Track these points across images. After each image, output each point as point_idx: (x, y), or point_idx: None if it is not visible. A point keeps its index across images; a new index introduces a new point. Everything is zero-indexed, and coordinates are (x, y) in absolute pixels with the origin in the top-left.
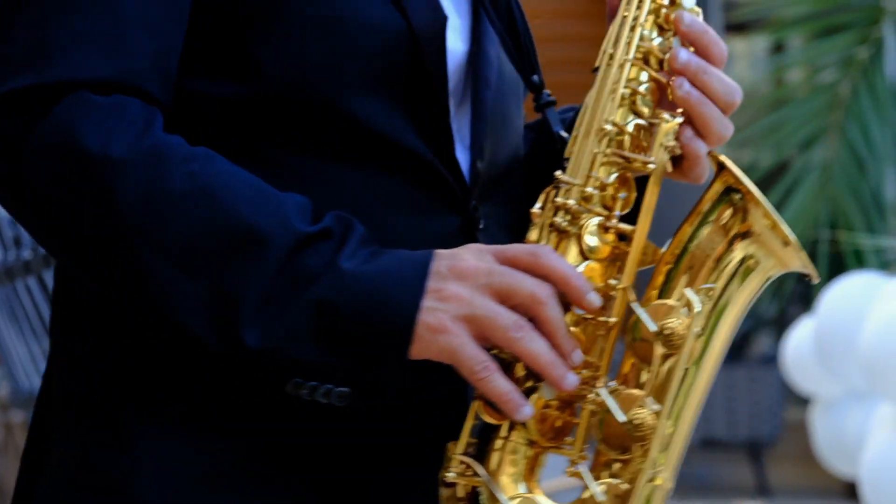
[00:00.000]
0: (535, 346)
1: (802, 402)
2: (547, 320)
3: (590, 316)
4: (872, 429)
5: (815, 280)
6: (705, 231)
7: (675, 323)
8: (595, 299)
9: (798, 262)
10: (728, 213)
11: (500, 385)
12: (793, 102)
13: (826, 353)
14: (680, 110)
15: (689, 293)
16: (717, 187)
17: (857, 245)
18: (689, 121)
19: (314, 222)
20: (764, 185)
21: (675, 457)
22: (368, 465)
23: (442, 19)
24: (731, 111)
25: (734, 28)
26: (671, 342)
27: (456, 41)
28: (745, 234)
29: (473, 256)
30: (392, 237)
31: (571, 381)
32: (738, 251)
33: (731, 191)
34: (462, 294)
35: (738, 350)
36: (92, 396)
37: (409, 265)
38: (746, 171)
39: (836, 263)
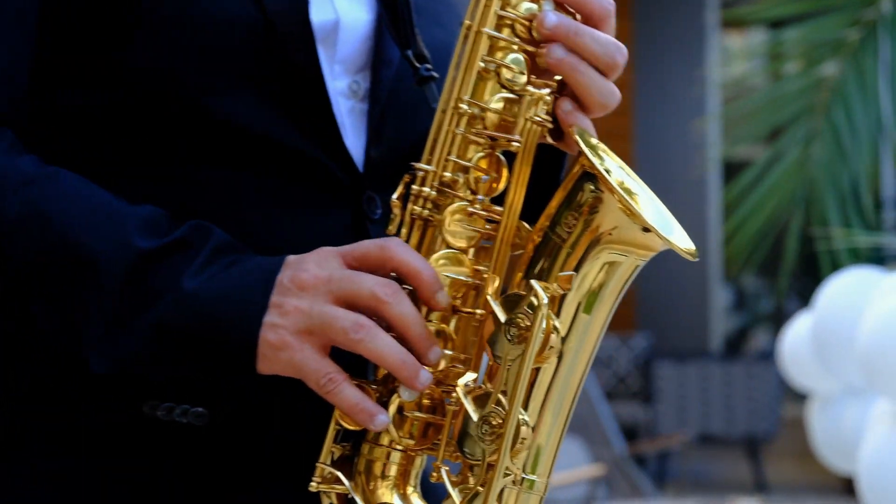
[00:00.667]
0: (379, 345)
1: (800, 398)
2: (393, 318)
3: (467, 311)
4: (870, 425)
5: (694, 258)
6: (565, 216)
7: (523, 315)
8: (443, 300)
9: (661, 245)
10: (586, 199)
11: (348, 396)
12: (784, 79)
13: (823, 349)
14: (558, 78)
15: (535, 284)
16: (577, 170)
17: (829, 237)
18: (568, 89)
19: (169, 233)
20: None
21: (546, 458)
22: (236, 485)
23: (302, 5)
24: (614, 73)
25: (731, 23)
26: (520, 335)
27: (357, 10)
28: (603, 223)
29: (315, 264)
30: (276, 238)
31: (424, 379)
32: (599, 240)
33: (589, 176)
34: (301, 307)
35: (735, 346)
36: None
37: (256, 278)
38: (742, 165)
39: (831, 258)
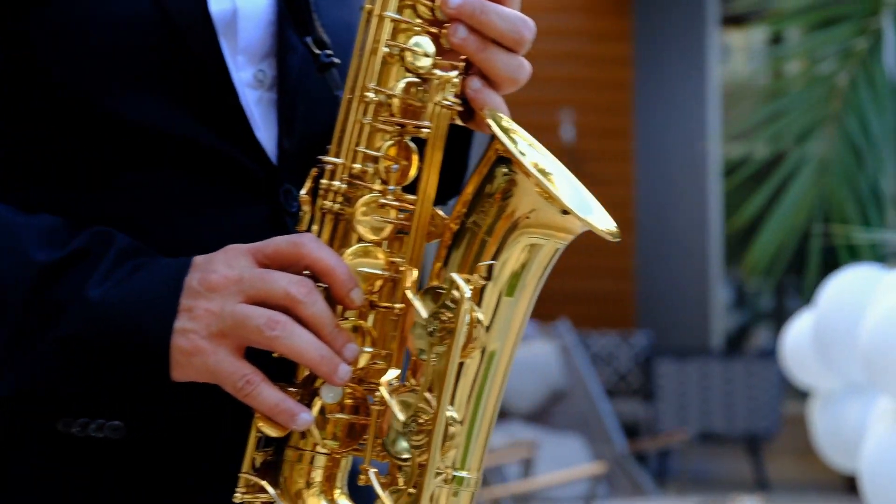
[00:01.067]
0: (296, 342)
1: (801, 395)
2: (308, 318)
3: (385, 305)
4: (872, 422)
5: (614, 239)
6: (482, 202)
7: (446, 310)
8: (357, 297)
9: (580, 227)
10: (502, 183)
11: (267, 397)
12: (791, 94)
13: (825, 347)
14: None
15: (456, 277)
16: (491, 155)
17: (851, 239)
18: (476, 67)
19: (68, 243)
20: (761, 177)
21: (476, 452)
22: (158, 498)
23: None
24: (521, 48)
25: (732, 20)
26: (443, 331)
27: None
28: (519, 207)
29: (224, 264)
30: (194, 238)
31: (344, 373)
32: (517, 225)
33: (504, 160)
34: (212, 309)
35: (735, 344)
36: None
37: (163, 282)
38: (743, 163)
39: (833, 257)
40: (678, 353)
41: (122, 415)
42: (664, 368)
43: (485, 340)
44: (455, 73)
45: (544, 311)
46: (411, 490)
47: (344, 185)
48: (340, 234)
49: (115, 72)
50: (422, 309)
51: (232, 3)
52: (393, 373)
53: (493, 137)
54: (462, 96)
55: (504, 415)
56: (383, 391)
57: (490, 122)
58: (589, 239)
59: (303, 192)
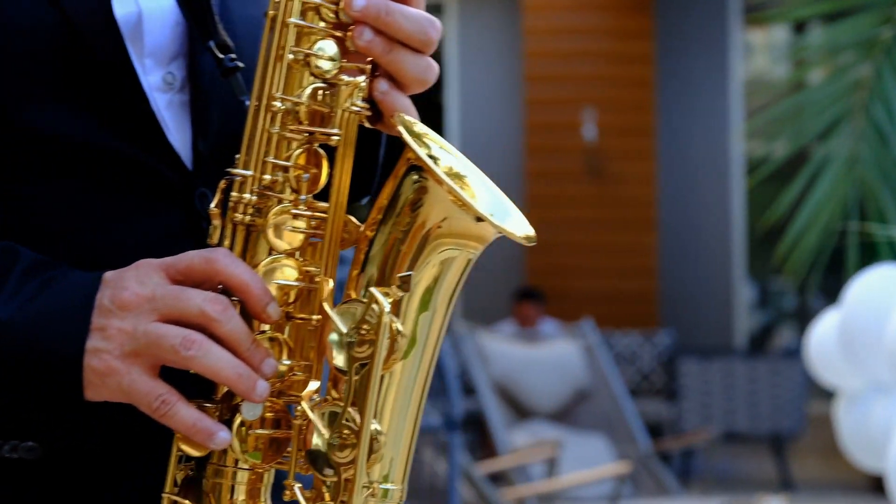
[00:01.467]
0: (213, 360)
1: (826, 395)
2: (224, 336)
3: (301, 317)
4: None
5: (530, 244)
6: (396, 210)
7: (365, 324)
8: (274, 312)
9: (495, 234)
10: (415, 191)
11: (183, 417)
12: (812, 88)
13: (851, 346)
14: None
15: (375, 291)
16: (402, 162)
17: (891, 236)
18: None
19: None
20: (784, 175)
21: (400, 464)
22: None
23: (104, 1)
24: (428, 49)
25: (752, 12)
26: (363, 345)
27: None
28: (431, 216)
29: (136, 281)
30: (109, 247)
31: (262, 390)
32: (429, 236)
33: (415, 168)
34: (125, 328)
35: (759, 343)
36: None
37: (73, 300)
38: (765, 161)
39: (868, 254)
40: (702, 353)
41: (35, 435)
42: (688, 368)
43: (405, 352)
44: (362, 77)
45: (568, 311)
46: None
47: (254, 197)
48: (253, 247)
49: (17, 80)
50: (340, 323)
51: (136, 5)
52: (314, 385)
53: (404, 147)
54: (370, 99)
55: (528, 414)
56: (305, 406)
57: (400, 128)
58: (612, 239)
59: (212, 205)
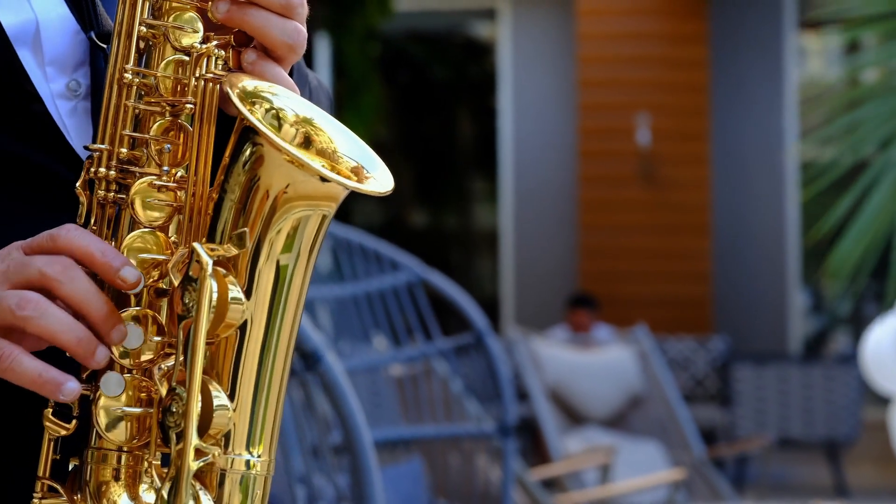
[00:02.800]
0: (50, 321)
1: (881, 401)
2: (67, 297)
3: (168, 288)
4: None
5: (387, 192)
6: (236, 174)
7: (190, 284)
8: (130, 275)
9: (344, 192)
10: (251, 155)
11: (28, 368)
12: (869, 103)
13: None
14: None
15: (198, 247)
16: (238, 126)
17: None
18: (256, 40)
19: None
20: (842, 186)
21: (261, 432)
22: None
23: None
24: (293, 12)
25: (809, 23)
26: (190, 306)
27: (57, 5)
28: (274, 183)
29: None
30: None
31: (101, 356)
32: (277, 202)
33: (250, 132)
34: None
35: (813, 349)
36: None
37: None
38: (820, 166)
39: None
40: (756, 358)
41: None
42: (742, 373)
43: (248, 316)
44: (214, 43)
45: (622, 317)
46: (169, 480)
47: (113, 172)
48: (122, 224)
49: None
50: (176, 282)
51: (32, 13)
52: (171, 362)
53: (239, 115)
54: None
55: (582, 420)
56: (156, 377)
57: (227, 88)
58: (666, 244)
59: (77, 184)
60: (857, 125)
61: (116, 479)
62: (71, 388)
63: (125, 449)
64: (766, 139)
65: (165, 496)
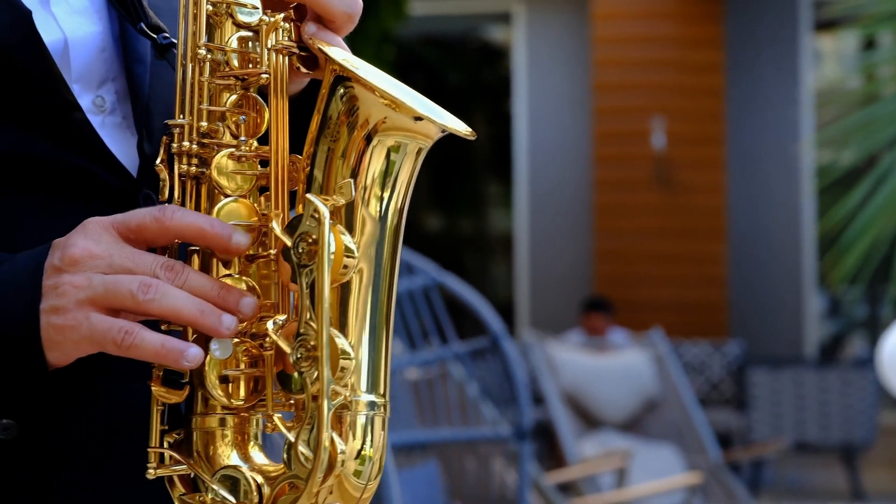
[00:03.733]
0: (172, 301)
1: None
2: (187, 289)
3: (262, 255)
4: None
5: (472, 137)
6: (331, 124)
7: (307, 233)
8: (241, 240)
9: (436, 132)
10: (346, 103)
11: (150, 342)
12: (883, 101)
13: None
14: (294, 4)
15: (313, 198)
16: (328, 78)
17: None
18: (311, 13)
19: None
20: (851, 182)
21: (377, 374)
22: (58, 496)
23: (25, 16)
24: None
25: (824, 24)
26: (309, 255)
27: (84, 24)
28: (372, 116)
29: (85, 238)
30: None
31: (229, 322)
32: (374, 132)
33: (342, 79)
34: (77, 282)
35: (829, 353)
36: None
37: (23, 270)
38: (831, 168)
39: None
40: (771, 362)
41: (11, 413)
42: (757, 377)
43: (358, 259)
44: (282, 15)
45: (637, 321)
46: (307, 424)
47: (195, 146)
48: (205, 197)
49: None
50: (286, 239)
51: (61, 32)
52: (281, 318)
53: (326, 62)
54: (304, 46)
55: (597, 424)
56: (270, 332)
57: (319, 45)
58: (681, 248)
59: (157, 162)
60: (871, 122)
61: (226, 441)
62: (194, 353)
63: (235, 411)
64: (782, 143)
65: (306, 439)
